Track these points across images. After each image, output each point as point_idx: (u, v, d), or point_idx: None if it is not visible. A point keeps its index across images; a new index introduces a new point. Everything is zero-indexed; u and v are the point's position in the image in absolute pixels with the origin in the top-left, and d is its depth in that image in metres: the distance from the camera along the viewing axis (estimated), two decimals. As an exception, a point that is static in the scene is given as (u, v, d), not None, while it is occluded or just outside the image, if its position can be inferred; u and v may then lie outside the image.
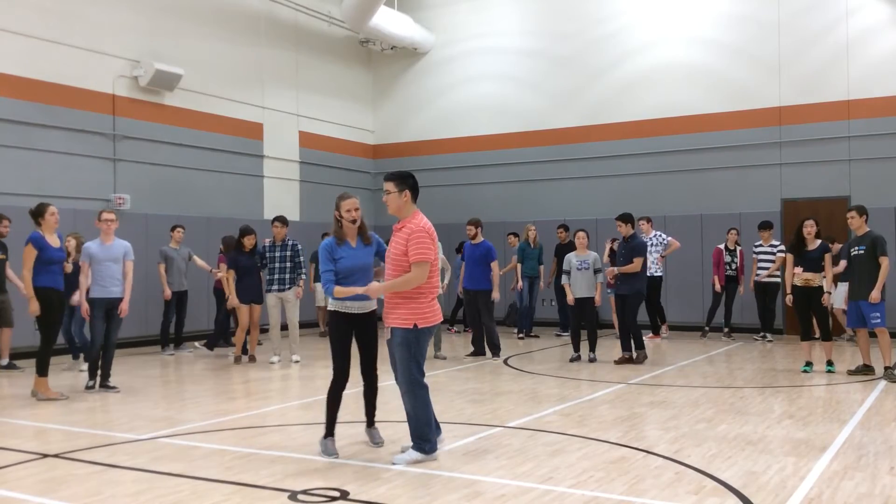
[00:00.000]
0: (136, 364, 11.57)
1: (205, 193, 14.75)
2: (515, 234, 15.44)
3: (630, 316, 10.98)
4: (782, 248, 13.52)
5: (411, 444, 5.82)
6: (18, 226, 11.01)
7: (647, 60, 16.01)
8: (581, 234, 11.28)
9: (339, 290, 5.86)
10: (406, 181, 5.82)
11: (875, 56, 14.19)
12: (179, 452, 6.14)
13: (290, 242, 11.43)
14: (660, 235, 13.98)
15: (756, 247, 13.83)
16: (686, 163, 15.63)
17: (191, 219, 14.21)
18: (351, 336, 6.07)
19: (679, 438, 6.42)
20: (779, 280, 13.65)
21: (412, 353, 5.71)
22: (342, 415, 7.51)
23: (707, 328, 14.20)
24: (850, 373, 9.79)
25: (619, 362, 10.87)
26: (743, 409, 7.69)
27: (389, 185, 5.83)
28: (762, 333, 13.78)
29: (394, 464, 5.66)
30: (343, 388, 6.07)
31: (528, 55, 17.28)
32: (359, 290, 5.82)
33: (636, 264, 10.85)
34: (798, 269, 9.96)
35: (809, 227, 10.04)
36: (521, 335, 14.58)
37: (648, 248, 13.75)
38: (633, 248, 10.98)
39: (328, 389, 6.09)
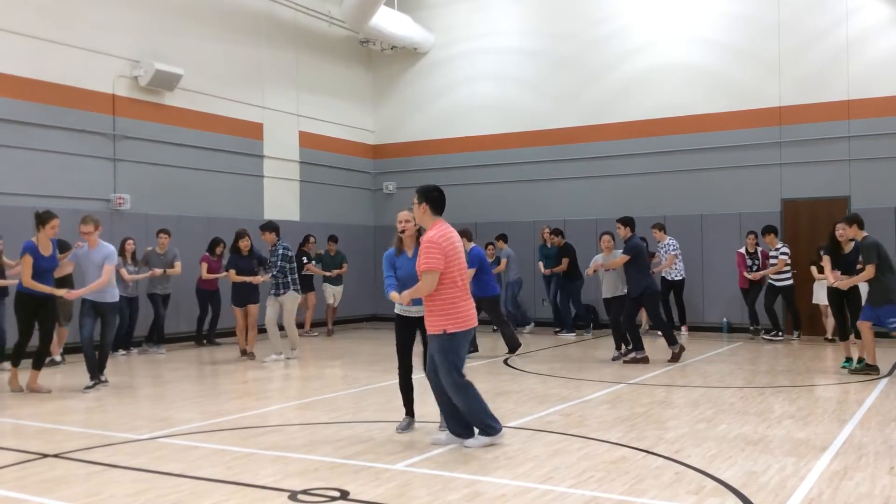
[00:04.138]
0: (135, 364, 11.57)
1: (205, 193, 14.74)
2: (503, 237, 15.63)
3: (652, 315, 11.26)
4: (784, 250, 13.41)
5: (476, 430, 6.25)
6: (20, 226, 11.04)
7: (647, 60, 16.00)
8: (606, 237, 11.57)
9: (393, 295, 6.43)
10: (423, 193, 6.23)
11: (875, 56, 14.18)
12: (179, 452, 6.14)
13: (279, 247, 11.41)
14: (670, 245, 14.03)
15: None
16: (686, 163, 15.63)
17: (191, 219, 14.23)
18: (411, 336, 6.70)
19: (679, 438, 6.42)
20: (790, 282, 13.48)
21: (449, 358, 6.13)
22: (342, 415, 7.55)
23: (753, 327, 14.09)
24: (852, 372, 9.80)
25: (628, 362, 10.91)
26: (743, 409, 7.69)
27: (414, 198, 6.28)
28: (774, 332, 13.60)
29: (466, 447, 6.12)
30: (406, 377, 6.74)
31: (528, 55, 17.27)
32: (394, 295, 6.40)
33: (620, 259, 11.00)
34: (836, 273, 10.03)
35: (841, 231, 10.02)
36: (557, 330, 15.11)
37: (662, 253, 14.01)
38: (626, 248, 11.07)
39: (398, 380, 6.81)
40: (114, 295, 9.16)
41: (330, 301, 15.54)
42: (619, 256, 11.03)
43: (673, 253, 14.05)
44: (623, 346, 11.32)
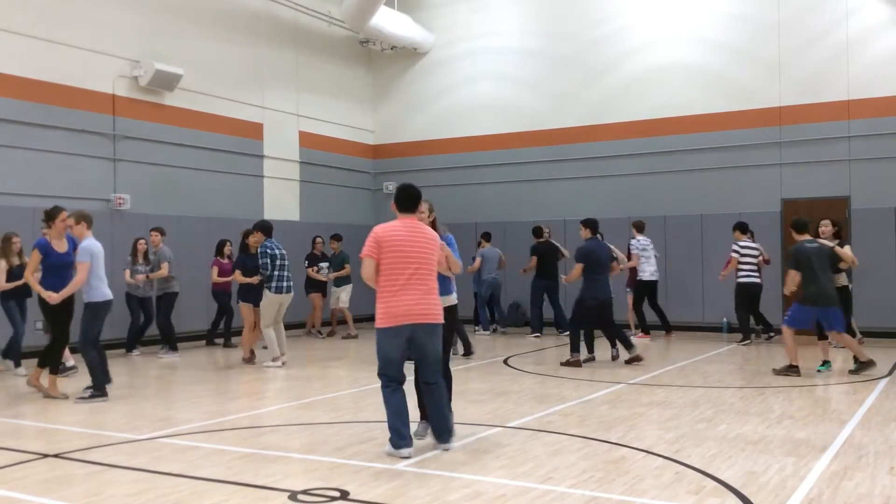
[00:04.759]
0: (135, 364, 11.57)
1: (205, 193, 14.73)
2: (486, 236, 15.58)
3: (574, 319, 11.09)
4: (735, 248, 13.16)
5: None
6: (20, 226, 11.04)
7: (647, 60, 16.00)
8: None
9: None
10: (396, 193, 6.22)
11: (875, 56, 14.18)
12: (179, 452, 6.15)
13: (261, 248, 11.22)
14: (635, 245, 13.98)
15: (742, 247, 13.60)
16: (686, 163, 15.62)
17: (191, 219, 14.23)
18: None
19: (679, 438, 6.42)
20: (747, 280, 13.17)
21: (376, 350, 6.06)
22: (342, 415, 7.54)
23: (758, 328, 13.94)
24: (851, 372, 9.80)
25: (628, 362, 10.89)
26: (743, 409, 7.69)
27: None
28: (767, 335, 13.52)
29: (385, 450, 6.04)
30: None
31: (528, 55, 17.27)
32: None
33: (576, 270, 10.91)
34: None
35: (824, 227, 9.90)
36: (560, 331, 14.83)
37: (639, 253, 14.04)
38: (576, 256, 11.03)
39: None
40: (89, 294, 8.55)
41: (334, 306, 15.43)
42: (574, 267, 10.94)
43: (635, 253, 13.93)
44: (599, 346, 11.36)
